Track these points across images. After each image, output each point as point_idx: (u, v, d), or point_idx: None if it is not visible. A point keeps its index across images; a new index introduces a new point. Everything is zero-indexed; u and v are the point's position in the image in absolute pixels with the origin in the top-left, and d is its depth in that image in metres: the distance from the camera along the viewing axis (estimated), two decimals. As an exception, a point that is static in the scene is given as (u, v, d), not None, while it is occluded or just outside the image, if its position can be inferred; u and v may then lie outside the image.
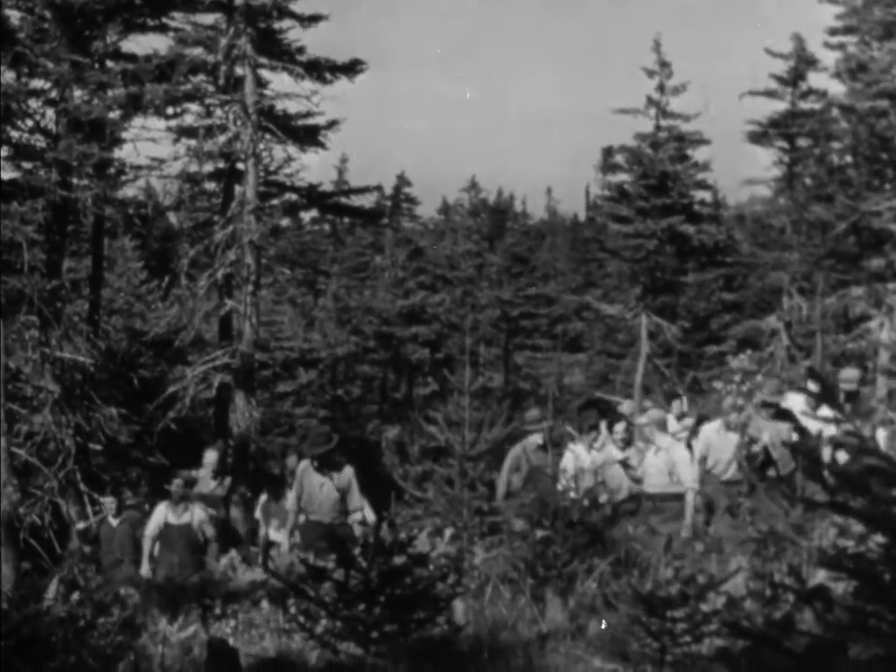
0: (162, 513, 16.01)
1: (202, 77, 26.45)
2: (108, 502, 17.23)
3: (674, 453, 14.85)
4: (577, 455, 16.11)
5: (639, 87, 40.40)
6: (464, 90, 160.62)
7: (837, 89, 36.59)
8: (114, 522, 16.83)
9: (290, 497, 15.31)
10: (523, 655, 7.76)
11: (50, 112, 23.81)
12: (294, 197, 29.16)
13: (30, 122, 23.53)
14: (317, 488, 14.63)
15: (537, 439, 16.22)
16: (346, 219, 40.30)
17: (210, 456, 18.19)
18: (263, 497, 17.99)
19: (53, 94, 23.79)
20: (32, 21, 22.81)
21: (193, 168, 27.29)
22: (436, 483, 17.04)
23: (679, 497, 14.63)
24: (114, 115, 24.27)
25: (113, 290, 37.26)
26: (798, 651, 3.57)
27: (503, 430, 17.87)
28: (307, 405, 48.84)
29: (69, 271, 27.10)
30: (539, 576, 10.23)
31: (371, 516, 15.47)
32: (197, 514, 15.97)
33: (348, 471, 14.70)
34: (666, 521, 14.67)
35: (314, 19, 26.86)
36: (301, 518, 14.94)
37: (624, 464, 15.19)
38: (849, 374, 14.29)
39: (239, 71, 26.04)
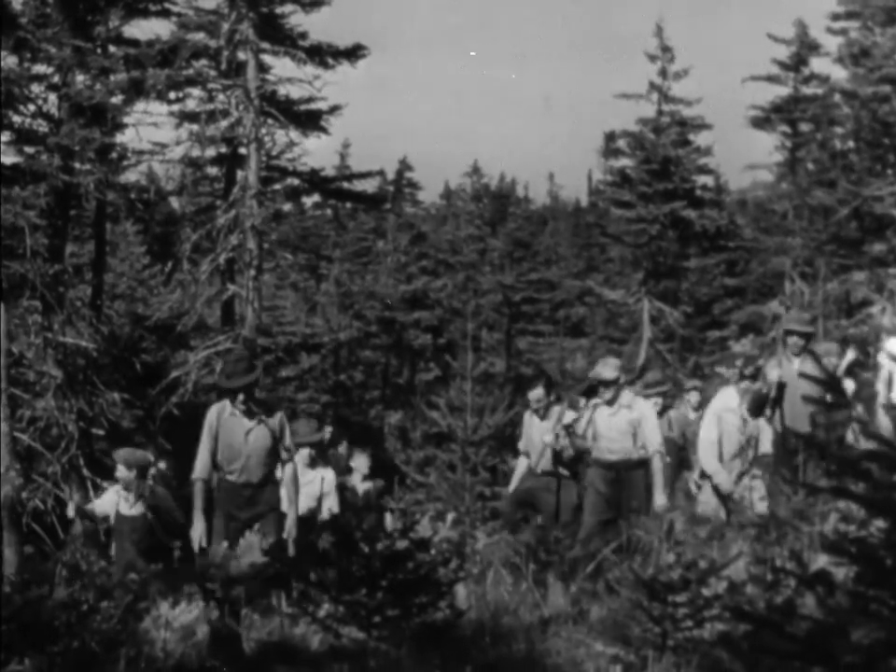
0: (113, 502, 12.93)
1: (204, 61, 26.48)
2: None
3: (638, 410, 12.76)
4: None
5: (641, 72, 40.40)
6: (466, 74, 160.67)
7: (840, 74, 36.67)
8: None
9: (199, 457, 11.09)
10: (524, 640, 7.79)
11: (52, 97, 23.82)
12: (296, 182, 29.19)
13: (32, 107, 23.54)
14: (241, 438, 10.93)
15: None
16: (348, 204, 40.30)
17: None
18: None
19: (55, 79, 23.80)
20: (34, 5, 22.81)
21: (195, 153, 27.36)
22: (438, 467, 17.10)
23: (643, 465, 12.63)
24: (116, 100, 24.28)
25: (115, 275, 37.25)
26: (799, 635, 3.59)
27: (505, 415, 17.88)
28: (309, 390, 48.85)
29: (71, 255, 27.12)
30: (540, 561, 10.25)
31: (331, 497, 13.26)
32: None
33: (278, 413, 11.22)
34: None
35: (315, 3, 26.86)
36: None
37: (568, 430, 13.01)
38: (802, 316, 13.51)
39: (241, 56, 26.05)
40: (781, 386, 12.40)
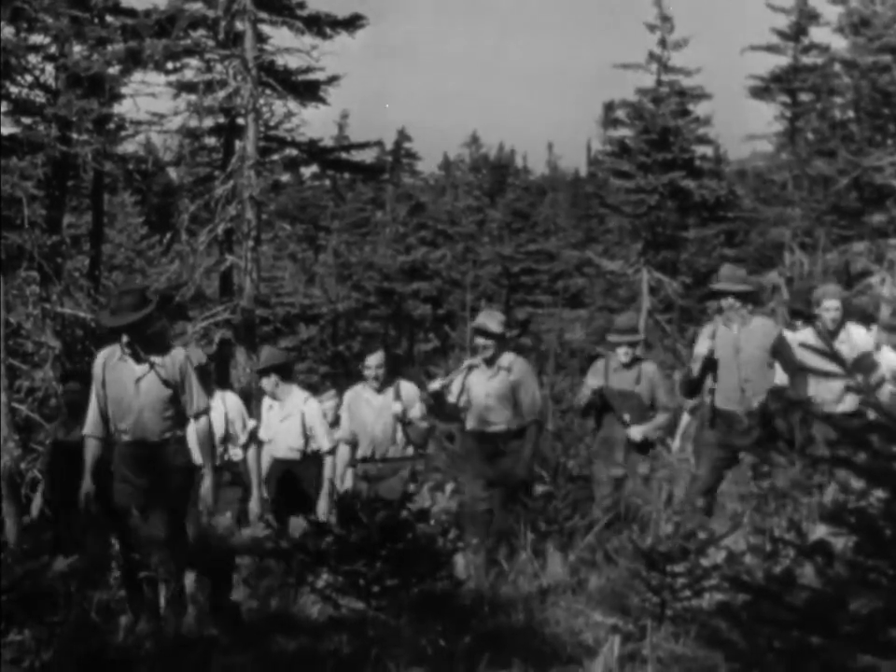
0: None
1: (201, 31, 26.36)
2: None
3: (519, 372, 10.72)
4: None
5: (641, 41, 40.41)
6: (465, 44, 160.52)
7: (839, 43, 36.58)
8: None
9: (89, 412, 9.16)
10: (523, 609, 7.81)
11: (50, 67, 23.80)
12: (294, 152, 29.12)
13: (29, 77, 23.52)
14: (130, 388, 8.92)
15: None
16: (347, 175, 40.15)
17: None
18: None
19: (53, 49, 23.77)
20: (31, -25, 22.73)
21: (193, 123, 27.28)
22: (436, 438, 16.97)
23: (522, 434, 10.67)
24: (113, 70, 24.27)
25: (113, 246, 37.31)
26: (798, 605, 3.59)
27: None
28: (308, 361, 48.93)
29: (69, 226, 27.12)
30: (539, 531, 10.25)
31: (323, 439, 11.41)
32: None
33: (178, 356, 9.09)
34: None
35: (314, -27, 26.76)
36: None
37: (437, 397, 10.81)
38: (735, 273, 10.86)
39: (239, 26, 25.94)
40: (710, 361, 10.62)
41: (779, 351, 10.47)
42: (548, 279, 62.07)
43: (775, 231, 41.03)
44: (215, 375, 11.73)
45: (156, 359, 8.88)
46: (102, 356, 9.09)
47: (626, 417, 11.59)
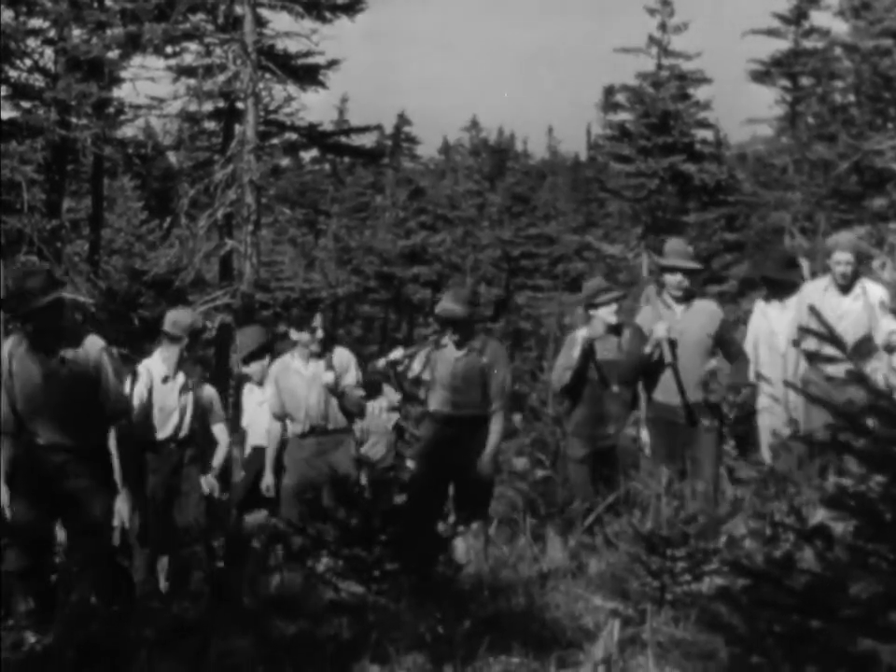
0: None
1: (201, 15, 26.36)
2: None
3: (491, 354, 9.87)
4: None
5: (641, 25, 40.26)
6: (465, 28, 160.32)
7: (840, 27, 36.54)
8: None
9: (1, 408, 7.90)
10: (523, 594, 7.80)
11: (49, 51, 23.82)
12: (294, 136, 29.12)
13: (29, 62, 23.51)
14: (37, 383, 7.74)
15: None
16: (347, 159, 40.24)
17: None
18: None
19: (52, 34, 23.77)
20: (29, -42, 22.73)
21: (193, 107, 27.27)
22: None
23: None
24: (113, 54, 24.26)
25: (113, 230, 37.23)
26: (798, 588, 3.59)
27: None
28: (308, 345, 48.92)
29: (69, 211, 27.13)
30: (539, 515, 10.24)
31: (224, 438, 10.61)
32: None
33: (93, 348, 7.93)
34: None
35: (312, -43, 26.71)
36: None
37: (394, 366, 10.00)
38: (687, 249, 10.39)
39: (238, 10, 25.92)
40: (673, 344, 9.66)
41: (724, 337, 9.87)
42: (548, 263, 62.00)
43: (775, 216, 40.98)
44: (214, 359, 11.61)
45: (68, 353, 7.77)
46: (7, 344, 7.85)
47: (615, 389, 10.32)
